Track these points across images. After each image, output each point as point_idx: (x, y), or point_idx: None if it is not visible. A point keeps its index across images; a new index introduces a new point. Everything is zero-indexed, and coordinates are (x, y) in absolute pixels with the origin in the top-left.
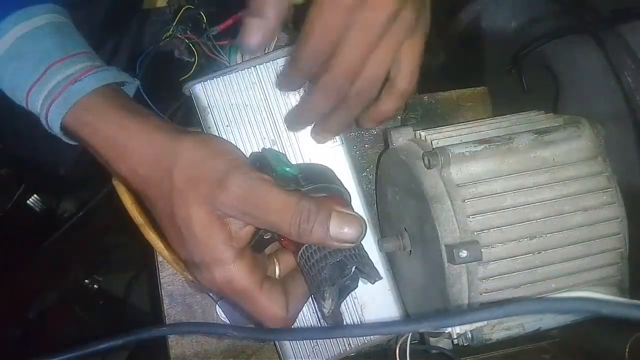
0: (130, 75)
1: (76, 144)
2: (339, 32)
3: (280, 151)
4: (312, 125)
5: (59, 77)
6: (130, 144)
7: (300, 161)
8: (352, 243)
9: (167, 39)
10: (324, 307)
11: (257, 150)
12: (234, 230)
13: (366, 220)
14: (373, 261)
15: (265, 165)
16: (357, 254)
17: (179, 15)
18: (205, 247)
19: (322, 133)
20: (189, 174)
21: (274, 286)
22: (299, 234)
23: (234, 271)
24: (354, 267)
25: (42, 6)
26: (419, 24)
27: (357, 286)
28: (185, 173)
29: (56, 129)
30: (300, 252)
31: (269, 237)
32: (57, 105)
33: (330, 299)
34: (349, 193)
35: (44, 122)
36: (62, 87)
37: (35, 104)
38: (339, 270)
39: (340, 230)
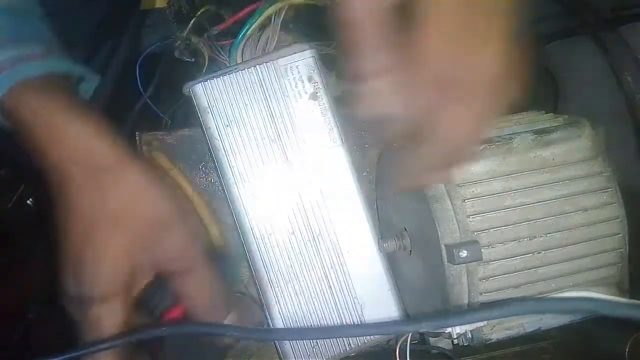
0: (92, 72)
1: (4, 124)
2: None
3: (282, 154)
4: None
5: (11, 54)
6: (72, 132)
7: (300, 160)
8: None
9: (169, 38)
10: None
11: (259, 152)
12: (138, 282)
13: (367, 220)
14: (373, 260)
15: None
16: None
17: (196, 16)
18: (102, 276)
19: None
20: (137, 200)
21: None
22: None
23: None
24: None
25: None
26: None
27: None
28: (134, 197)
29: None
30: None
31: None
32: (3, 78)
33: None
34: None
35: None
36: (12, 63)
37: None
38: None
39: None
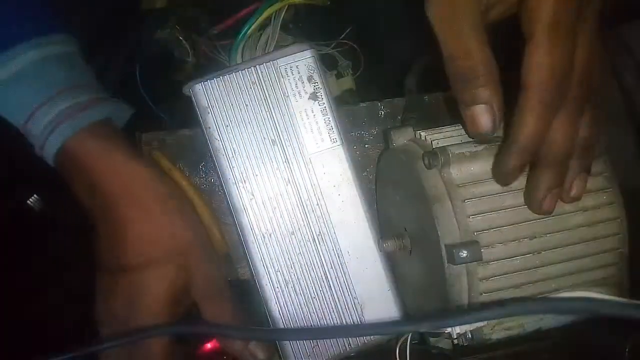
0: (125, 103)
1: (57, 167)
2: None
3: (282, 154)
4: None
5: (68, 103)
6: (131, 172)
7: (300, 160)
8: None
9: (168, 39)
10: None
11: (259, 152)
12: (183, 301)
13: (367, 220)
14: (373, 260)
15: None
16: None
17: (181, 15)
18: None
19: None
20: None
21: None
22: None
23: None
24: None
25: (58, 36)
26: None
27: None
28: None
29: (51, 150)
30: None
31: None
32: (63, 128)
33: None
34: None
35: (39, 142)
36: (70, 113)
37: (39, 125)
38: None
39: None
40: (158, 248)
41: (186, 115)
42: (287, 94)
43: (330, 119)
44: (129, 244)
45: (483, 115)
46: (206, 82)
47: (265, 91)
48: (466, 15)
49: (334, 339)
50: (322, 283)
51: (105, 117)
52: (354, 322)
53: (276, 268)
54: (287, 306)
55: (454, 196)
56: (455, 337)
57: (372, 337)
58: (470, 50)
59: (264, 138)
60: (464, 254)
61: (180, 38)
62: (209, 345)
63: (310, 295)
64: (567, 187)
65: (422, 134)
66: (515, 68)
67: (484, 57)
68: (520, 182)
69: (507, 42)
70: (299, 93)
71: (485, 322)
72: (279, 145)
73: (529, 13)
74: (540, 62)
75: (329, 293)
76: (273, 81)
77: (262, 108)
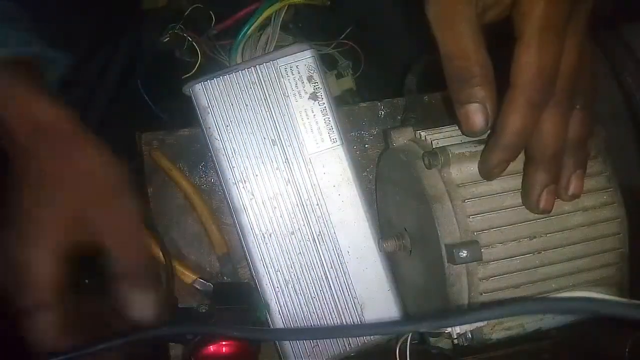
0: (56, 52)
1: None
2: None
3: (282, 154)
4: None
5: None
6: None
7: (300, 160)
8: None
9: (169, 38)
10: None
11: (259, 152)
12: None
13: (367, 220)
14: (373, 260)
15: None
16: None
17: (186, 13)
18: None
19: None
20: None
21: None
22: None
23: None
24: None
25: None
26: None
27: None
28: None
29: None
30: None
31: None
32: None
33: None
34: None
35: None
36: None
37: None
38: None
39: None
40: (56, 175)
41: (186, 115)
42: (287, 94)
43: (330, 119)
44: (26, 176)
45: (476, 114)
46: (206, 82)
47: (265, 91)
48: (464, 17)
49: (334, 339)
50: (322, 283)
51: (21, 56)
52: (354, 322)
53: (276, 268)
54: (287, 306)
55: (454, 196)
56: (455, 337)
57: (372, 337)
58: (467, 51)
59: (264, 138)
60: (464, 253)
61: (182, 38)
62: (211, 349)
63: (310, 295)
64: (564, 184)
65: (422, 134)
66: (505, 68)
67: (480, 58)
68: (521, 182)
69: (505, 43)
70: (299, 93)
71: (485, 322)
72: (279, 145)
73: (521, 14)
74: (529, 62)
75: (329, 293)
76: (273, 81)
77: (262, 108)
